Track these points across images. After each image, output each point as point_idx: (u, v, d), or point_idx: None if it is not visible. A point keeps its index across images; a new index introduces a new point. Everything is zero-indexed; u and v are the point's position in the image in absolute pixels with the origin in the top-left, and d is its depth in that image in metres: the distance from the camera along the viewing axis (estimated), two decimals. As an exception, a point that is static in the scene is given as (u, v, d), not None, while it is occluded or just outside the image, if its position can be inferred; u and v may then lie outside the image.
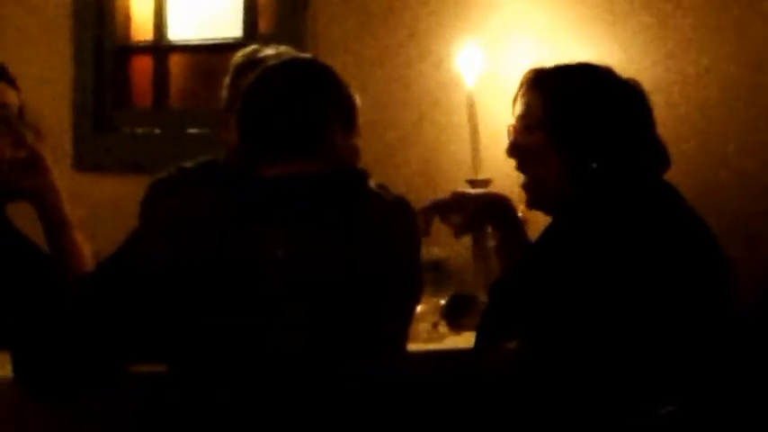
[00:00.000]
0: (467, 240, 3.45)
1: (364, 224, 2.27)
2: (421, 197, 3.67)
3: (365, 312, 2.23)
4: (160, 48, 4.34)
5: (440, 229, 3.62)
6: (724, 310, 2.45)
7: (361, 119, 3.83)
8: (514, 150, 2.66)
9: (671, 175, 2.59)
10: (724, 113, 3.39)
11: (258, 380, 2.16)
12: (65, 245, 2.67)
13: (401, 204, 2.38)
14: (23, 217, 2.77)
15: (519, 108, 2.64)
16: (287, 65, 2.41)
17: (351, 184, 2.30)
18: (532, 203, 2.69)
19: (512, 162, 3.55)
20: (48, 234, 2.70)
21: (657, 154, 2.56)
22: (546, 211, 2.65)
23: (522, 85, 2.65)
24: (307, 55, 2.73)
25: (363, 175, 2.33)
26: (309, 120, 2.31)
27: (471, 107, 3.47)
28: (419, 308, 2.93)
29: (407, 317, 2.39)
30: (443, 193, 3.72)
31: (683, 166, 3.01)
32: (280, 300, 2.17)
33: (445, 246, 3.35)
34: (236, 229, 2.19)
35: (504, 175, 3.51)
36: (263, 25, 4.17)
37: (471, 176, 3.46)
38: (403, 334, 2.36)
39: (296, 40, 3.83)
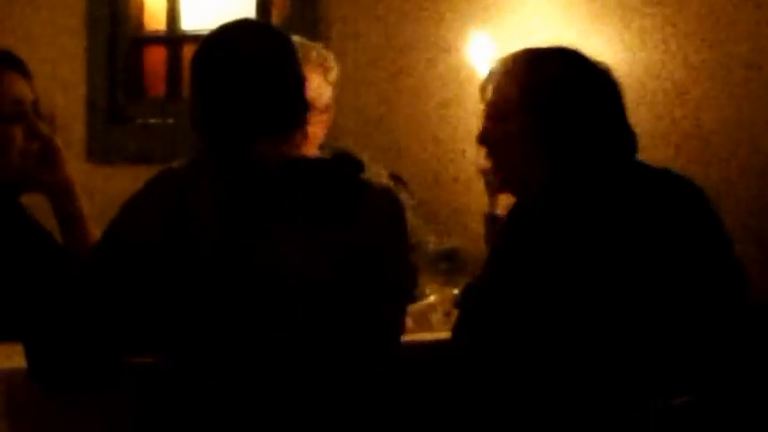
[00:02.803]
0: (480, 229, 3.45)
1: (360, 218, 2.26)
2: (432, 186, 3.69)
3: (359, 304, 2.23)
4: (173, 38, 4.34)
5: (453, 218, 3.63)
6: (728, 293, 2.42)
7: (374, 107, 3.86)
8: (485, 138, 2.63)
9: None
10: (734, 112, 3.39)
11: (250, 371, 2.14)
12: (79, 237, 2.68)
13: (390, 196, 2.38)
14: (39, 209, 2.78)
15: (489, 95, 2.61)
16: (248, 36, 2.32)
17: (349, 176, 2.29)
18: (503, 186, 2.64)
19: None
20: (62, 226, 2.71)
21: (626, 139, 2.51)
22: (515, 193, 2.62)
23: (492, 71, 2.62)
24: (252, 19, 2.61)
25: (360, 166, 2.33)
26: (291, 93, 2.29)
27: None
28: (432, 297, 2.95)
29: (401, 307, 2.40)
30: (455, 181, 3.74)
31: (693, 164, 3.01)
32: (272, 293, 2.16)
33: (459, 235, 3.36)
34: (231, 216, 2.16)
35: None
36: (277, 15, 4.18)
37: (482, 166, 3.47)
38: (397, 323, 2.37)
39: (309, 29, 3.83)
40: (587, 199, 2.38)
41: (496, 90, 2.57)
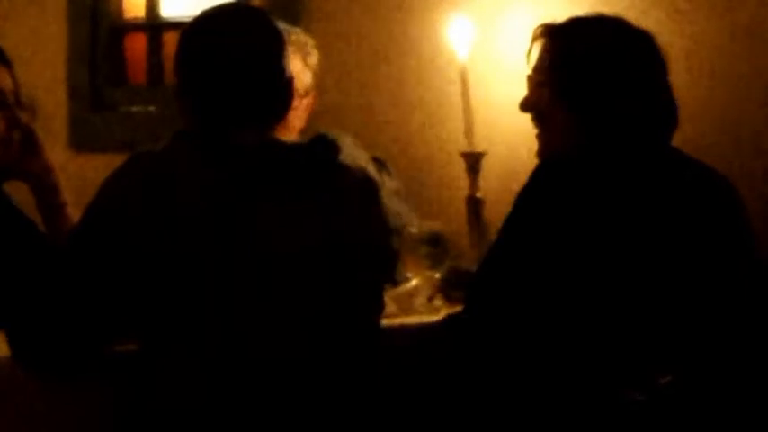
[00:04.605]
0: (463, 213, 3.46)
1: (335, 199, 2.27)
2: (415, 172, 3.70)
3: (336, 285, 2.24)
4: (153, 25, 4.34)
5: (435, 202, 3.64)
6: (736, 290, 2.41)
7: (355, 92, 3.86)
8: (526, 105, 2.62)
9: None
10: (735, 114, 3.39)
11: (235, 354, 2.15)
12: (61, 224, 2.68)
13: (364, 177, 2.40)
14: (19, 197, 2.77)
15: (533, 61, 2.61)
16: (232, 18, 2.33)
17: (324, 158, 2.31)
18: (540, 155, 2.63)
19: (505, 134, 3.57)
20: (44, 214, 2.71)
21: (664, 111, 2.50)
22: None
23: (534, 38, 2.61)
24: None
25: (335, 148, 2.33)
26: (278, 81, 2.30)
27: (464, 80, 3.47)
28: (415, 281, 2.96)
29: (379, 288, 2.42)
30: (438, 167, 3.74)
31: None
32: (260, 273, 2.17)
33: (442, 219, 3.36)
34: (210, 196, 2.17)
35: (499, 148, 3.52)
36: (257, 1, 4.17)
37: (466, 149, 3.48)
38: (376, 308, 2.39)
39: (290, 15, 3.82)
40: (600, 180, 2.37)
41: (537, 57, 2.56)
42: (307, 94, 3.14)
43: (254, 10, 2.38)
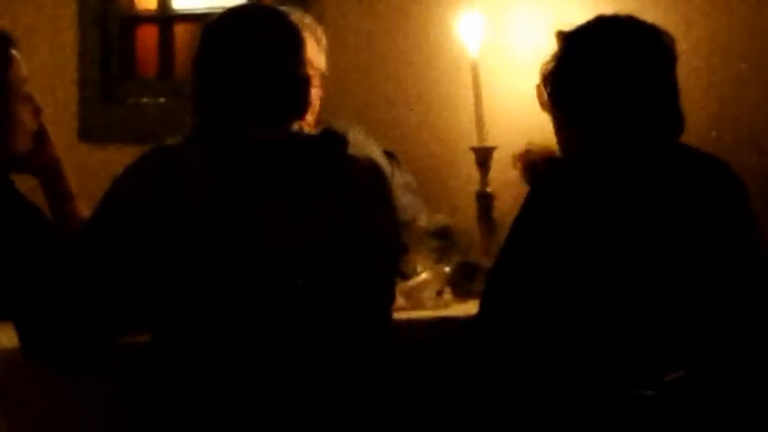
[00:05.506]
0: (473, 208, 3.46)
1: (346, 191, 2.28)
2: (425, 167, 3.69)
3: (348, 275, 2.24)
4: (165, 17, 4.33)
5: (445, 196, 3.63)
6: (738, 286, 2.39)
7: (365, 88, 3.86)
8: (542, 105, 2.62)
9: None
10: (736, 112, 3.38)
11: (242, 347, 2.15)
12: (69, 216, 2.67)
13: (374, 168, 2.39)
14: (29, 188, 2.78)
15: None
16: (253, 18, 2.36)
17: (334, 152, 2.31)
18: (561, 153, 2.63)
19: (516, 129, 3.56)
20: (52, 205, 2.70)
21: (666, 110, 2.48)
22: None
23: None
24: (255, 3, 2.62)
25: (344, 142, 2.34)
26: (295, 79, 2.31)
27: (475, 76, 3.47)
28: (424, 275, 2.95)
29: (390, 282, 2.41)
30: (448, 162, 3.74)
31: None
32: (268, 269, 2.18)
33: (452, 214, 3.36)
34: (222, 191, 2.18)
35: (509, 143, 3.51)
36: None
37: (476, 144, 3.47)
38: (386, 302, 2.39)
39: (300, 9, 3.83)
40: (605, 180, 2.37)
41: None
42: (318, 72, 3.14)
43: (273, 9, 2.39)
